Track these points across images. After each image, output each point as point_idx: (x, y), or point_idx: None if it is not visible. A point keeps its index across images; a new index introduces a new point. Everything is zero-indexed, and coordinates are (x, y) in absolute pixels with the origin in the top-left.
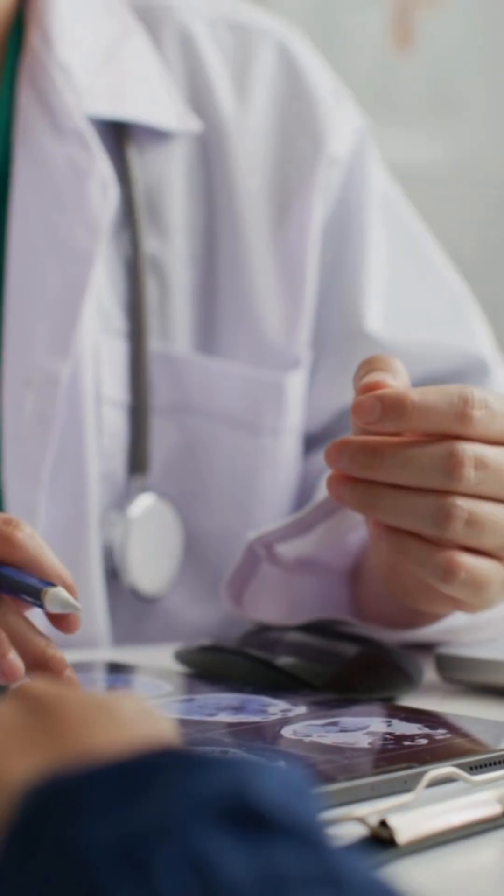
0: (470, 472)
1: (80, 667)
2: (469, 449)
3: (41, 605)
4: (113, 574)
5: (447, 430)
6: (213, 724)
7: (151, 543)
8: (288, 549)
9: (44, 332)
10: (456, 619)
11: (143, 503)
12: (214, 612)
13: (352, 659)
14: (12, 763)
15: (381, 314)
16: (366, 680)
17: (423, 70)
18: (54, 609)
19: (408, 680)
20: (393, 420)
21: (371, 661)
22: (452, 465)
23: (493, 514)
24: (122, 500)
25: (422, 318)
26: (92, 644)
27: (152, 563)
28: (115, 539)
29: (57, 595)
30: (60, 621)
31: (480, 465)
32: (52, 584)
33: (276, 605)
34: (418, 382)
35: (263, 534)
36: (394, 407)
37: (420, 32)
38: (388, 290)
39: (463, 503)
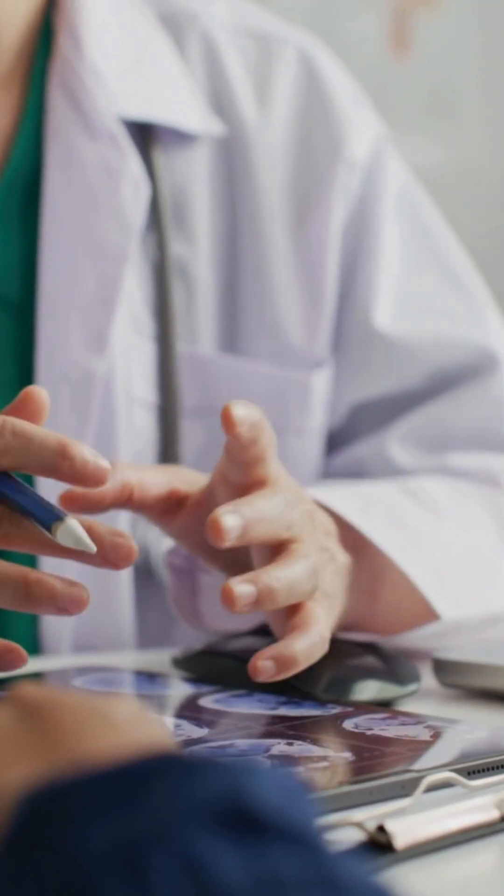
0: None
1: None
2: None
3: (52, 536)
4: (147, 573)
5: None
6: (273, 718)
7: None
8: None
9: (79, 329)
10: (428, 627)
11: None
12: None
13: (346, 663)
14: (8, 770)
15: (389, 309)
16: (361, 684)
17: (420, 75)
18: (66, 543)
19: (401, 684)
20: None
21: (368, 665)
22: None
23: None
24: None
25: (433, 310)
26: (117, 642)
27: None
28: (150, 539)
29: (70, 529)
30: (71, 554)
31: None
32: (65, 515)
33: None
34: (429, 377)
35: (173, 546)
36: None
37: (417, 37)
38: (399, 283)
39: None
